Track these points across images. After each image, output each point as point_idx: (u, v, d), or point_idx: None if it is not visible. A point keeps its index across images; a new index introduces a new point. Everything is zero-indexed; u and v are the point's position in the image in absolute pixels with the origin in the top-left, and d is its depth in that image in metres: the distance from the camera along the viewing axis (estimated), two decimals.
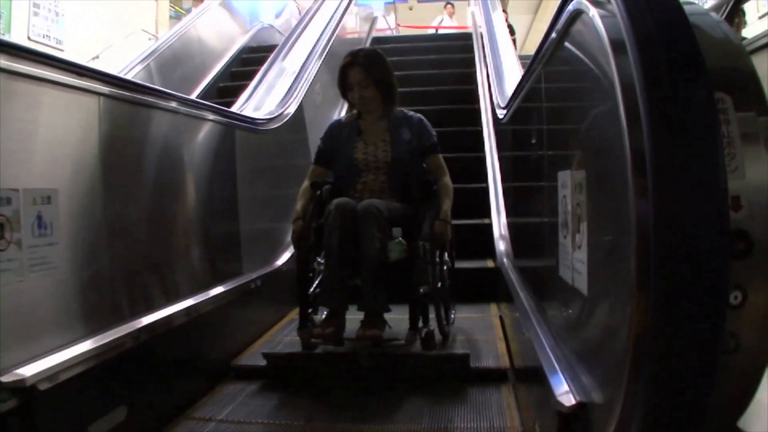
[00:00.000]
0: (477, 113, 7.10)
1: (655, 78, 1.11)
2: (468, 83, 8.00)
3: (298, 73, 5.77)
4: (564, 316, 1.99)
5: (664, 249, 1.08)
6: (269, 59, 6.20)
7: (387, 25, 14.92)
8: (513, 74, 5.57)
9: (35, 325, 2.12)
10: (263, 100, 5.10)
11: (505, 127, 4.60)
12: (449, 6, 14.67)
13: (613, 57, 1.26)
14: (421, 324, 3.31)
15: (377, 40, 10.75)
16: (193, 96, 6.74)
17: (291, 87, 5.43)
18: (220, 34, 9.24)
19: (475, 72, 8.19)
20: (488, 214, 5.31)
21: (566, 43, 1.86)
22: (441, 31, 14.24)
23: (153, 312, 2.77)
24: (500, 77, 5.80)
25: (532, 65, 2.61)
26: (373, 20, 11.81)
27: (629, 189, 1.16)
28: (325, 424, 2.76)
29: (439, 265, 3.62)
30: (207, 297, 3.25)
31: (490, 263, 4.85)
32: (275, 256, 4.55)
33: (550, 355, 1.98)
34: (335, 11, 8.00)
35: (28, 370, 1.96)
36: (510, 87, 4.82)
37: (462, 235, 4.10)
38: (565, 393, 1.65)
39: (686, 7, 1.23)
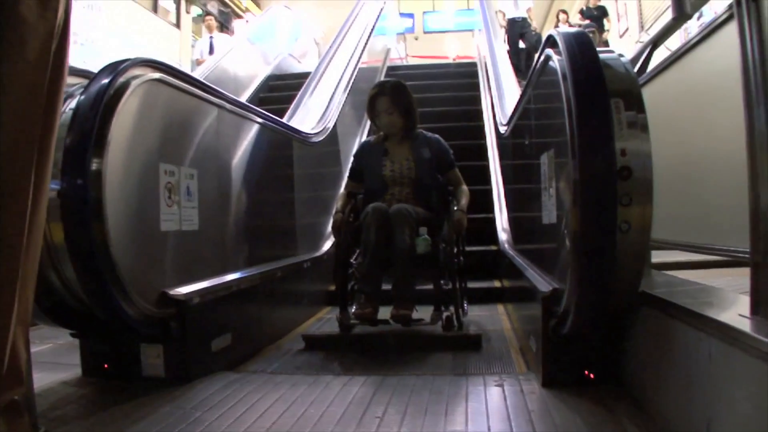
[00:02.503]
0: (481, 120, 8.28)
1: (578, 91, 2.16)
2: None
3: (330, 98, 6.70)
4: (545, 248, 3.06)
5: (584, 180, 2.11)
6: (304, 86, 7.04)
7: (398, 55, 15.83)
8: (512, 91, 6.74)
9: (184, 261, 3.12)
10: (304, 120, 5.99)
11: (506, 140, 5.64)
12: None
13: (561, 81, 2.33)
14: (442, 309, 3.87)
15: (391, 68, 11.79)
16: None
17: (326, 109, 6.38)
18: (250, 65, 10.34)
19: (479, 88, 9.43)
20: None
21: (543, 72, 2.96)
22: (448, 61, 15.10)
23: (246, 269, 3.75)
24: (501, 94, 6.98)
25: (527, 84, 3.70)
26: (387, 51, 12.79)
27: (569, 153, 2.18)
28: (364, 373, 3.15)
29: (456, 259, 4.12)
30: (277, 266, 4.22)
31: (496, 283, 5.50)
32: (320, 244, 5.55)
33: (536, 275, 3.09)
34: (356, 46, 8.97)
35: (183, 290, 2.94)
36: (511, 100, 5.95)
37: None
38: (545, 287, 2.69)
39: (603, 55, 2.30)
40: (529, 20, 12.90)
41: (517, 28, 12.46)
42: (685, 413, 1.99)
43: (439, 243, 3.89)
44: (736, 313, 1.81)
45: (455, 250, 4.11)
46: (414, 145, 4.20)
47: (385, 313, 3.77)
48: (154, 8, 13.86)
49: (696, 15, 3.08)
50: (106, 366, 2.98)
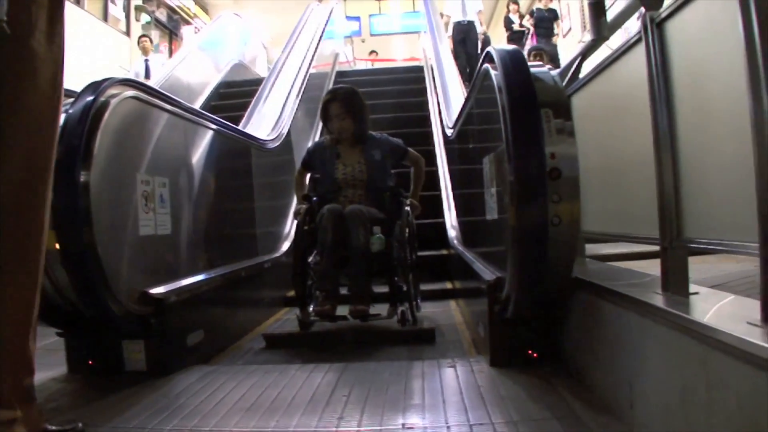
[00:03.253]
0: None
1: (512, 103, 2.50)
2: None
3: (284, 105, 6.87)
4: (489, 242, 3.40)
5: (518, 181, 2.44)
6: (257, 93, 7.19)
7: (346, 59, 16.02)
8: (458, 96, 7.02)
9: (160, 263, 3.38)
10: (259, 126, 6.19)
11: (452, 144, 5.95)
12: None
13: (498, 93, 2.65)
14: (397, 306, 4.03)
15: (340, 73, 12.10)
16: None
17: (280, 115, 6.56)
18: (202, 72, 10.56)
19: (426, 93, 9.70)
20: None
21: (483, 83, 3.28)
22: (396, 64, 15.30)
23: (214, 269, 3.99)
24: (448, 101, 7.23)
25: (470, 93, 4.04)
26: (336, 56, 13.04)
27: (506, 157, 2.50)
28: (325, 363, 3.29)
29: (409, 256, 4.30)
30: (242, 266, 4.48)
31: (448, 285, 5.73)
32: (278, 246, 5.78)
33: (482, 267, 3.40)
34: (307, 51, 9.20)
35: (160, 289, 3.19)
36: (456, 105, 6.25)
37: None
38: (490, 276, 3.01)
39: (534, 69, 2.62)
40: (477, 24, 12.63)
41: (461, 33, 12.34)
42: (611, 379, 2.33)
43: (393, 242, 4.06)
44: (651, 291, 2.15)
45: (408, 248, 4.29)
46: (365, 148, 4.38)
47: (342, 311, 3.95)
48: (105, 17, 13.95)
49: (636, 15, 3.39)
50: (90, 362, 3.20)
